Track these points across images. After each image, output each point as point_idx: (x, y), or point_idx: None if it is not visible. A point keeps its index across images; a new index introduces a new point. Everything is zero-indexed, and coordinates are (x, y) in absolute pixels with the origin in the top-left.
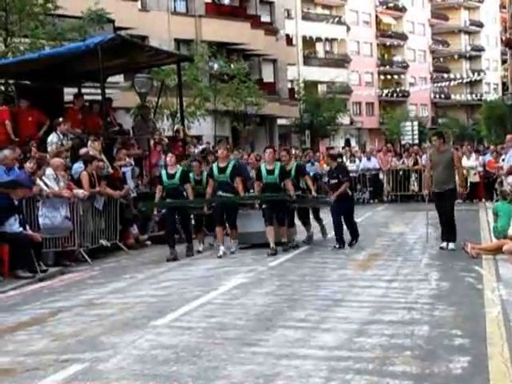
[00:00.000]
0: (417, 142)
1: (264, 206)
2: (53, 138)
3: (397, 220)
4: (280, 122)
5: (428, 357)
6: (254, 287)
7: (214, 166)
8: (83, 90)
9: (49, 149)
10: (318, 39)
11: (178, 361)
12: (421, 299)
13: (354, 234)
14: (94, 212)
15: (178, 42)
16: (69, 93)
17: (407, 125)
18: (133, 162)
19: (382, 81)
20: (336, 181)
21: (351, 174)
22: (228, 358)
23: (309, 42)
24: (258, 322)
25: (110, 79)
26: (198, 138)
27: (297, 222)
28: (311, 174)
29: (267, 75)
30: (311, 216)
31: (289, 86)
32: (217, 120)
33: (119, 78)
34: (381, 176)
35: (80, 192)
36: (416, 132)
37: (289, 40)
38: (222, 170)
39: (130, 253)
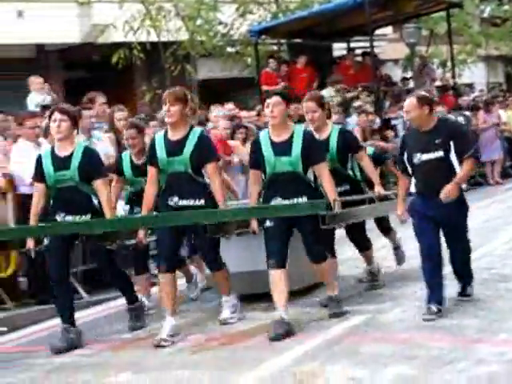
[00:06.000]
0: None
1: (267, 225)
2: (325, 93)
3: None
4: None
5: None
6: None
7: (159, 138)
8: (351, 45)
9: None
10: None
11: (460, 312)
12: None
13: (466, 274)
14: None
15: None
16: (336, 48)
17: None
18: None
19: None
20: (435, 155)
21: None
22: (511, 310)
23: None
24: None
25: (377, 31)
26: (470, 86)
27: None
28: None
29: None
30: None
31: None
32: (489, 66)
33: (387, 30)
34: None
35: None
36: None
37: None
38: (174, 149)
39: None
